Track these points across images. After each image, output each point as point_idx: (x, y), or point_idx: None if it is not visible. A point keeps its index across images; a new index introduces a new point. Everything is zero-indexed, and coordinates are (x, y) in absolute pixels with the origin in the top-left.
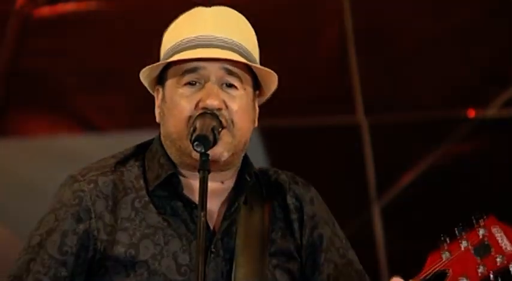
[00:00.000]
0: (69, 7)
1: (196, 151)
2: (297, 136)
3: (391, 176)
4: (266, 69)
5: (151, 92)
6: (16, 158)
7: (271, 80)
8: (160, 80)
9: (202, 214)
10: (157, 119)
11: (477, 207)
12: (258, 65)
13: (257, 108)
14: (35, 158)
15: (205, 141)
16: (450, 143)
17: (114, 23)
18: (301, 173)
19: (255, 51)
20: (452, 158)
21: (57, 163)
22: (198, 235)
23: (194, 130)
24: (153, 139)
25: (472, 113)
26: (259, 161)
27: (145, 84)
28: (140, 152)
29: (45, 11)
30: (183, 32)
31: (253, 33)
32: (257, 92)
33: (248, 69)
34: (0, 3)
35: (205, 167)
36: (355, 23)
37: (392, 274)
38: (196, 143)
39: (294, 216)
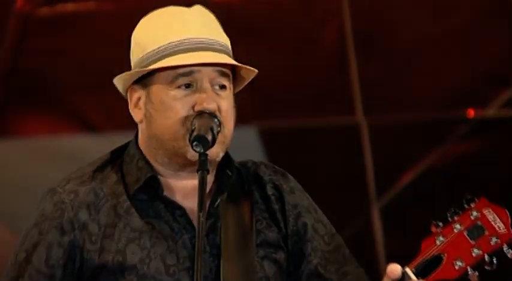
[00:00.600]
0: (68, 7)
1: (196, 151)
2: (297, 136)
3: (390, 177)
4: (254, 70)
5: (121, 91)
6: (16, 158)
7: (250, 76)
8: (138, 80)
9: (201, 214)
10: (139, 119)
11: None
12: (249, 67)
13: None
14: (34, 158)
15: (204, 141)
16: (450, 143)
17: (114, 23)
18: (300, 174)
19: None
20: (452, 158)
21: (57, 163)
22: (197, 236)
23: (193, 131)
24: (127, 143)
25: (471, 113)
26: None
27: (121, 84)
28: (116, 157)
29: (45, 11)
30: (166, 34)
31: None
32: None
33: (230, 67)
34: (0, 3)
35: (204, 167)
36: (354, 23)
37: None
38: (195, 143)
39: (276, 206)
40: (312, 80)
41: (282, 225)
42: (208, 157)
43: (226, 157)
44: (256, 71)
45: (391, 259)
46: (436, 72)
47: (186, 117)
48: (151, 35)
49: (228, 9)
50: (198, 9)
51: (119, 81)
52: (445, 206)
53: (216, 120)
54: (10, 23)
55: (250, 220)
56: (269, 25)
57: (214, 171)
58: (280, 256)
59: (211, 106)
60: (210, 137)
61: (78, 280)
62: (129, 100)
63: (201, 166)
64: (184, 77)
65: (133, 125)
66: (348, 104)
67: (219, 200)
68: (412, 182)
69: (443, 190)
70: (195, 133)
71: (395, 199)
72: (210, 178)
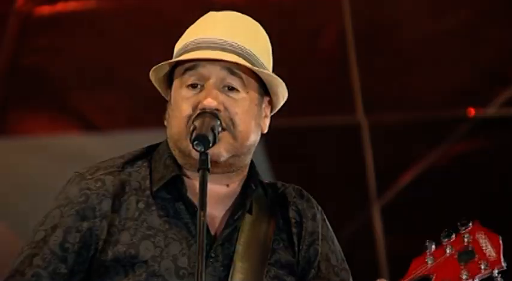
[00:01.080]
0: (69, 6)
1: (196, 150)
2: (297, 136)
3: (391, 176)
4: (269, 73)
5: (166, 97)
6: (16, 157)
7: (277, 86)
8: (170, 84)
9: (202, 213)
10: (165, 122)
11: (477, 207)
12: (260, 69)
13: (267, 114)
14: (34, 157)
15: (205, 140)
16: (450, 142)
17: (114, 22)
18: (301, 174)
19: (265, 58)
20: (452, 157)
21: (57, 162)
22: (198, 234)
23: (194, 130)
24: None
25: (472, 113)
26: (259, 161)
27: (159, 89)
28: (149, 153)
29: (45, 9)
30: (190, 35)
31: (266, 40)
32: (267, 99)
33: (255, 74)
34: (0, 3)
35: (204, 165)
36: (355, 23)
37: (392, 273)
38: (195, 142)
39: (295, 230)
40: (313, 79)
41: (296, 249)
42: (210, 157)
43: (251, 169)
44: (273, 75)
45: (392, 258)
46: (436, 72)
47: (190, 117)
48: (182, 38)
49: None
50: (227, 13)
51: (156, 85)
52: (445, 206)
53: (217, 119)
54: (10, 21)
55: (270, 238)
56: (270, 26)
57: (241, 183)
58: (291, 279)
59: (212, 104)
60: (210, 137)
61: (89, 269)
62: None
63: (201, 164)
64: (190, 72)
65: (132, 124)
66: (349, 104)
67: (240, 212)
68: (413, 181)
69: (443, 189)
70: (195, 132)
71: (396, 198)
72: (235, 188)
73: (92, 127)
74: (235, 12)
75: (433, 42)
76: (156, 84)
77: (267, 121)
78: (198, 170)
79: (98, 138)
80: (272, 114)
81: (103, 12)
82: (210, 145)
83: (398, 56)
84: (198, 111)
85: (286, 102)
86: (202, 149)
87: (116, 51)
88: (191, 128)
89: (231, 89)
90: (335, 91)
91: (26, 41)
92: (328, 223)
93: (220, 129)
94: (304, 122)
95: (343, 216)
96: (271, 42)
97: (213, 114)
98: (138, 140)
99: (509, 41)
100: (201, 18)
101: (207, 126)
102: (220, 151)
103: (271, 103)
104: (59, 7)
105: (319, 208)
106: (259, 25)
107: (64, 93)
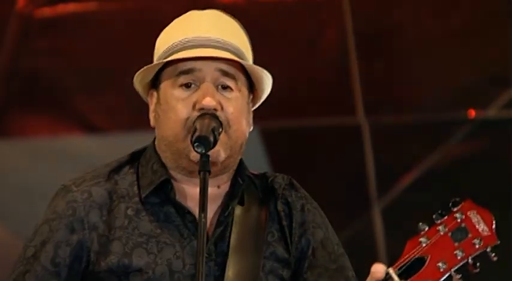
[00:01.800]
0: (69, 7)
1: (197, 152)
2: (297, 137)
3: (391, 178)
4: (261, 68)
5: (144, 97)
6: (16, 159)
7: (265, 82)
8: (154, 84)
9: (202, 215)
10: (152, 123)
11: None
12: (253, 65)
13: (250, 111)
14: (35, 158)
15: (206, 142)
16: (450, 144)
17: (114, 23)
18: (301, 174)
19: (248, 54)
20: (452, 159)
21: (57, 163)
22: (199, 237)
23: (194, 131)
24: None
25: (472, 114)
26: (259, 161)
27: (139, 89)
28: (135, 159)
29: (46, 11)
30: (177, 35)
31: (246, 36)
32: (251, 95)
33: (243, 71)
34: (0, 4)
35: (205, 167)
36: (355, 24)
37: None
38: (196, 144)
39: (285, 223)
40: (313, 80)
41: (288, 241)
42: (210, 158)
43: (239, 164)
44: (264, 70)
45: (392, 260)
46: (436, 73)
47: (188, 118)
48: (164, 38)
49: (232, 11)
50: (210, 12)
51: (138, 86)
52: (446, 207)
53: (217, 120)
54: (11, 23)
55: (263, 230)
56: (270, 27)
57: (229, 181)
58: (287, 273)
59: (211, 103)
60: (211, 138)
61: (83, 280)
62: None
63: (203, 166)
64: (185, 75)
65: (133, 126)
66: (349, 105)
67: (230, 209)
68: (413, 182)
69: (443, 191)
70: (196, 134)
71: (396, 200)
72: (225, 188)
73: (93, 128)
74: (216, 11)
75: (433, 43)
76: (138, 85)
77: (251, 118)
78: (199, 172)
79: (99, 140)
80: (253, 109)
81: (104, 13)
82: (211, 146)
83: (399, 57)
84: (197, 112)
85: (286, 103)
86: (203, 151)
87: (117, 52)
88: (192, 129)
89: (225, 87)
90: (335, 92)
91: (27, 43)
92: (321, 211)
93: (220, 130)
94: (305, 123)
95: (343, 217)
96: (270, 42)
97: (214, 115)
98: (140, 141)
99: (509, 41)
100: (183, 18)
101: (208, 127)
102: (219, 150)
103: (253, 100)
104: (60, 9)
105: (309, 197)
106: (238, 22)
107: (65, 94)
